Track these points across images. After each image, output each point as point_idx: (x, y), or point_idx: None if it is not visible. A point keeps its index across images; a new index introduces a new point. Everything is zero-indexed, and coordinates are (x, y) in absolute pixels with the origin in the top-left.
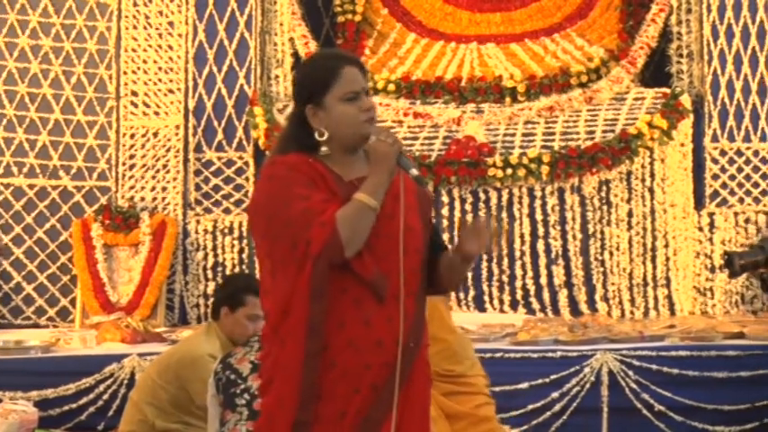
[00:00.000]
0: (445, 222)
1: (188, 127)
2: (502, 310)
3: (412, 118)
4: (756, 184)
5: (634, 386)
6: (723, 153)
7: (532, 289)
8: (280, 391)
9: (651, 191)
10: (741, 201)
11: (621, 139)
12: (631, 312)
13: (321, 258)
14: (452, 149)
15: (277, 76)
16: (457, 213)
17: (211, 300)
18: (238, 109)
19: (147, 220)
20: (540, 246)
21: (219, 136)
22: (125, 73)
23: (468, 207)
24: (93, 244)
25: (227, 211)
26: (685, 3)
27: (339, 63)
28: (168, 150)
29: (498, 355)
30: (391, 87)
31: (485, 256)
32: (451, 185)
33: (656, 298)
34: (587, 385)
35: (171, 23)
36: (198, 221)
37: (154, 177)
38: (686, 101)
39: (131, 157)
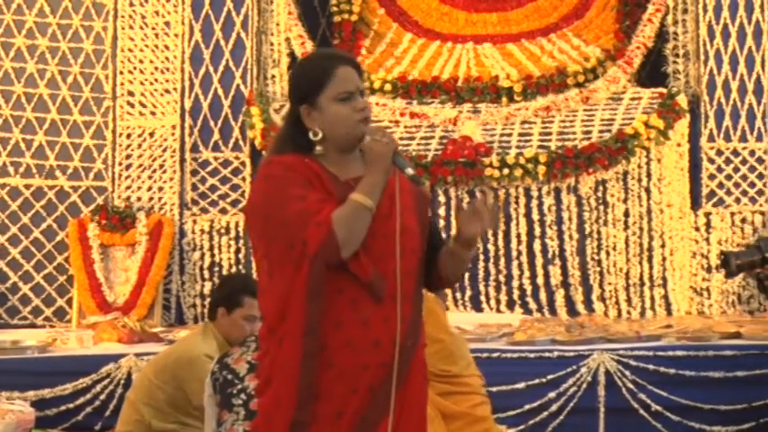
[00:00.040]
0: (442, 222)
1: (184, 127)
2: (499, 310)
3: (408, 118)
4: (753, 184)
5: (631, 386)
6: (719, 153)
7: (529, 289)
8: (277, 392)
9: (648, 191)
10: (737, 201)
11: (618, 139)
12: (628, 312)
13: (318, 259)
14: (449, 149)
15: (273, 76)
16: (454, 213)
17: (208, 300)
18: (235, 109)
19: (144, 220)
20: (537, 246)
21: (216, 136)
22: (121, 73)
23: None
24: (89, 244)
25: (223, 211)
26: (681, 3)
27: (333, 63)
28: (165, 150)
29: (495, 355)
30: (388, 87)
31: (482, 256)
32: (448, 185)
33: (652, 298)
34: (584, 385)
35: (167, 23)
36: (194, 221)
37: (150, 177)
38: (682, 101)
39: (128, 157)
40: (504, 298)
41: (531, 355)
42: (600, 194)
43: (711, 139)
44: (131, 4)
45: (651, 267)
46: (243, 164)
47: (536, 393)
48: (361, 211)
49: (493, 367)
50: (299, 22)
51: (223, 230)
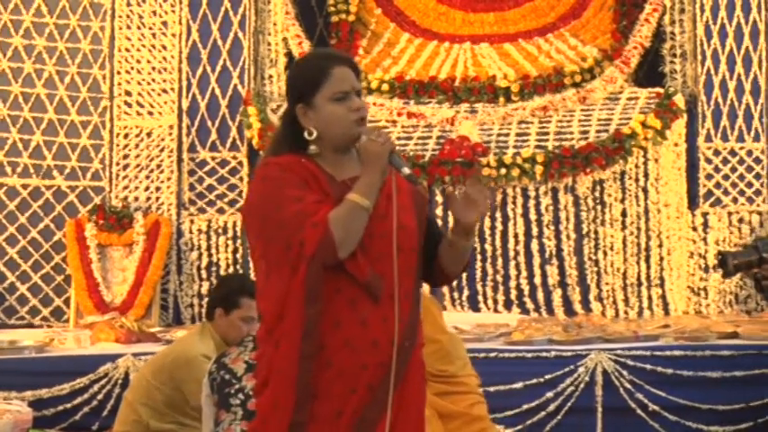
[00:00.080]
0: (439, 222)
1: (182, 127)
2: (496, 310)
3: (406, 118)
4: (750, 184)
5: (628, 386)
6: (717, 153)
7: (526, 289)
8: (275, 393)
9: (645, 191)
10: (735, 200)
11: (615, 139)
12: (625, 312)
13: (315, 259)
14: (446, 149)
15: (271, 76)
16: (452, 213)
17: (206, 300)
18: (232, 109)
19: (141, 220)
20: (534, 246)
21: (213, 136)
22: (119, 73)
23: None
24: (86, 244)
25: (221, 210)
26: (678, 3)
27: (330, 63)
28: (162, 150)
29: (493, 354)
30: (385, 87)
31: (479, 256)
32: (445, 185)
33: (650, 298)
34: (582, 385)
35: (164, 23)
36: (192, 221)
37: (148, 177)
38: (680, 101)
39: (125, 156)
40: (501, 298)
41: (529, 355)
42: (597, 194)
43: (709, 138)
44: (129, 4)
45: (648, 267)
46: (240, 164)
47: (534, 393)
48: (357, 211)
49: (490, 367)
50: (297, 21)
51: (220, 230)
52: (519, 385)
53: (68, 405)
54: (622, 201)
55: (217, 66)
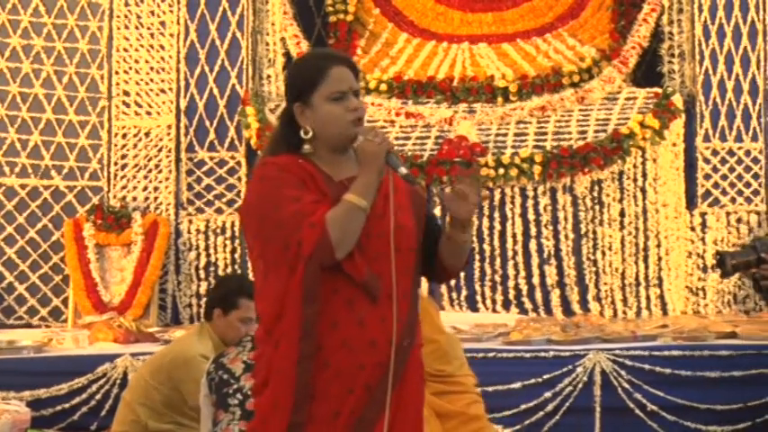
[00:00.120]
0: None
1: (180, 127)
2: (494, 310)
3: (404, 118)
4: (748, 184)
5: (626, 386)
6: (715, 153)
7: (525, 289)
8: (274, 393)
9: (643, 191)
10: (733, 200)
11: (613, 139)
12: (624, 312)
13: (312, 260)
14: (444, 149)
15: (269, 76)
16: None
17: (204, 300)
18: (230, 109)
19: (140, 220)
20: (533, 245)
21: (211, 136)
22: (117, 73)
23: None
24: (85, 244)
25: (219, 210)
26: (677, 3)
27: (328, 63)
28: (160, 150)
29: (491, 354)
30: (383, 87)
31: (478, 256)
32: (444, 185)
33: (648, 298)
34: (580, 385)
35: (162, 23)
36: (190, 221)
37: (146, 177)
38: (678, 101)
39: (123, 156)
40: (499, 298)
41: (527, 355)
42: (595, 194)
43: (707, 138)
44: (127, 4)
45: (647, 267)
46: (238, 164)
47: (532, 393)
48: (354, 211)
49: (489, 367)
50: (295, 21)
51: (219, 230)
52: (517, 385)
53: (67, 405)
54: (620, 201)
55: (215, 66)
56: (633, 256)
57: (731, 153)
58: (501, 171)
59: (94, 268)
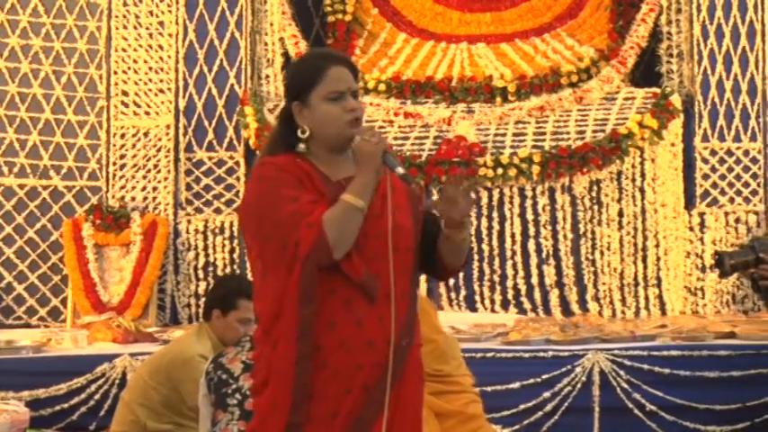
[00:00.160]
0: None
1: (178, 127)
2: (493, 310)
3: (402, 118)
4: (747, 184)
5: (625, 386)
6: (713, 153)
7: (524, 289)
8: (273, 393)
9: (642, 191)
10: (731, 200)
11: (612, 139)
12: (622, 312)
13: (309, 260)
14: (443, 149)
15: (267, 76)
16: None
17: (203, 300)
18: (229, 109)
19: (138, 220)
20: (531, 245)
21: (210, 136)
22: (115, 73)
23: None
24: (83, 244)
25: (217, 210)
26: (675, 2)
27: (326, 62)
28: (159, 150)
29: (490, 354)
30: (382, 87)
31: (476, 256)
32: (442, 185)
33: (647, 298)
34: (579, 385)
35: (161, 23)
36: (189, 221)
37: (144, 177)
38: (676, 101)
39: (122, 156)
40: (498, 298)
41: (526, 355)
42: (594, 194)
43: (705, 138)
44: (125, 4)
45: (645, 267)
46: (237, 163)
47: (531, 393)
48: (352, 211)
49: (488, 367)
50: (293, 21)
51: (217, 230)
52: (516, 385)
53: (65, 405)
54: (619, 201)
55: (213, 66)
56: (632, 255)
57: (730, 153)
58: (499, 171)
59: (93, 268)
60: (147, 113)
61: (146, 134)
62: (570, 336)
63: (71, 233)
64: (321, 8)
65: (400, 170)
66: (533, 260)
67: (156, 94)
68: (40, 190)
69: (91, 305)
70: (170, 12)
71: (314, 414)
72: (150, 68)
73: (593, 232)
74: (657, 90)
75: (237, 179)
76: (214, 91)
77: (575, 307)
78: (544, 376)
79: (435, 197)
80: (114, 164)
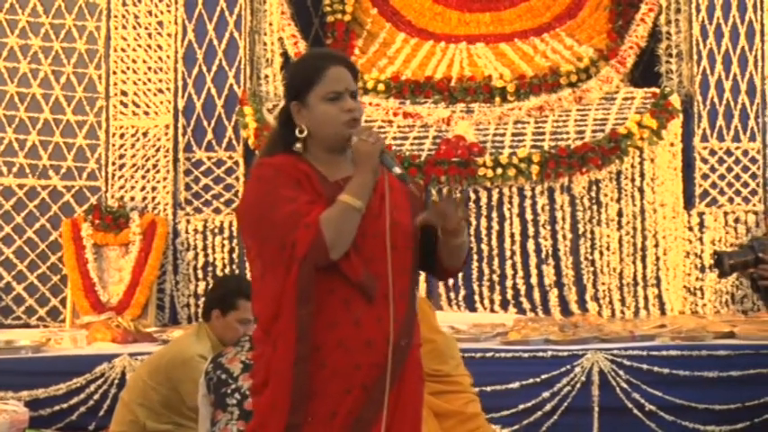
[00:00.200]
0: None
1: (178, 127)
2: (492, 310)
3: (402, 118)
4: (746, 184)
5: (625, 386)
6: (713, 153)
7: (523, 289)
8: (273, 394)
9: (641, 190)
10: (731, 200)
11: (611, 139)
12: (622, 312)
13: (307, 261)
14: (442, 149)
15: (266, 76)
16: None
17: (202, 300)
18: (228, 109)
19: (137, 220)
20: (531, 245)
21: (209, 136)
22: (114, 73)
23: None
24: (83, 244)
25: (217, 210)
26: (674, 2)
27: (325, 63)
28: (158, 150)
29: (489, 354)
30: (381, 87)
31: (475, 256)
32: (441, 185)
33: (646, 298)
34: (578, 385)
35: (160, 23)
36: (188, 221)
37: (144, 177)
38: (676, 101)
39: (121, 156)
40: (497, 298)
41: (525, 355)
42: (593, 194)
43: (704, 138)
44: (124, 4)
45: (645, 267)
46: (236, 163)
47: (530, 393)
48: (349, 211)
49: (487, 367)
50: (292, 21)
51: (217, 230)
52: (515, 385)
53: (65, 405)
54: (618, 201)
55: (213, 66)
56: (631, 255)
57: (729, 153)
58: (499, 171)
59: (92, 268)
60: (147, 113)
61: (145, 134)
62: (569, 336)
63: (70, 233)
64: (320, 8)
65: (397, 170)
66: (532, 260)
67: (155, 94)
68: (39, 190)
69: (90, 305)
70: (169, 12)
71: (313, 413)
72: (149, 68)
73: (592, 232)
74: (657, 90)
75: (237, 179)
76: (213, 91)
77: (574, 307)
78: (543, 376)
79: (425, 214)
80: (113, 164)
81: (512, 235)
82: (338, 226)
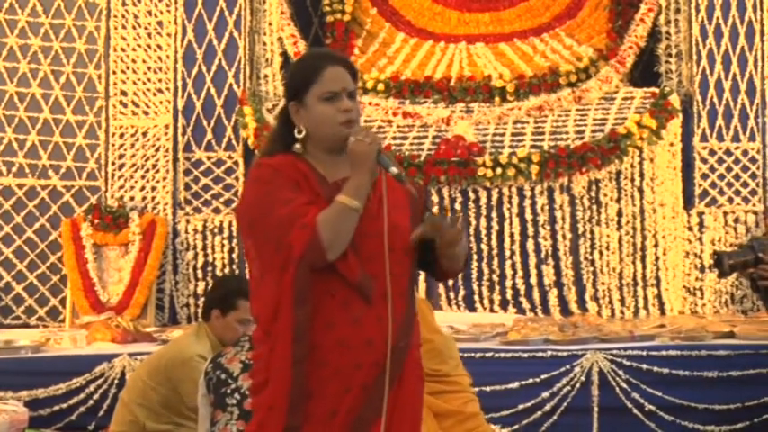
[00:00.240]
0: None
1: (177, 126)
2: (492, 310)
3: (401, 118)
4: (745, 184)
5: (624, 386)
6: (712, 153)
7: (522, 288)
8: (272, 395)
9: (640, 190)
10: (730, 200)
11: (611, 139)
12: (621, 312)
13: (303, 262)
14: (442, 149)
15: (266, 76)
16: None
17: (201, 300)
18: (227, 108)
19: (137, 220)
20: (530, 245)
21: (209, 135)
22: (114, 72)
23: (457, 207)
24: (82, 244)
25: (216, 210)
26: (674, 2)
27: (323, 62)
28: (158, 150)
29: (489, 354)
30: (380, 87)
31: (475, 256)
32: (441, 185)
33: (645, 297)
34: (578, 385)
35: (160, 23)
36: (188, 221)
37: (143, 177)
38: (675, 100)
39: (121, 156)
40: (497, 297)
41: (525, 355)
42: (593, 194)
43: (704, 138)
44: (124, 4)
45: (644, 267)
46: (236, 163)
47: (529, 393)
48: (346, 212)
49: (486, 367)
50: (292, 21)
51: (216, 230)
52: (515, 385)
53: (64, 405)
54: (618, 200)
55: (212, 65)
56: (631, 255)
57: (728, 153)
58: (498, 171)
59: (92, 268)
60: (146, 113)
61: (144, 134)
62: (569, 336)
63: (70, 233)
64: (320, 8)
65: (394, 170)
66: (532, 260)
67: (154, 94)
68: (38, 190)
69: (90, 305)
70: (169, 12)
71: (312, 412)
72: (149, 68)
73: (591, 232)
74: (656, 90)
75: (236, 179)
76: (213, 91)
77: (573, 307)
78: (543, 376)
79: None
80: (113, 164)
81: (511, 235)
82: (335, 226)
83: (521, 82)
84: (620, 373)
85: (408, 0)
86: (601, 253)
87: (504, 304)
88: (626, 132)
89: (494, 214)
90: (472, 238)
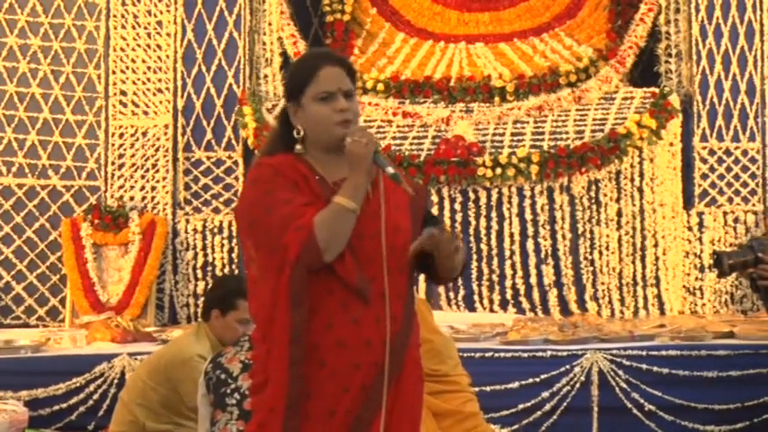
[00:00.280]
0: None
1: (177, 126)
2: (492, 310)
3: (401, 118)
4: (745, 184)
5: (624, 386)
6: (712, 153)
7: (522, 288)
8: (271, 396)
9: (640, 190)
10: (730, 200)
11: (610, 139)
12: (621, 312)
13: (299, 263)
14: (441, 149)
15: (266, 76)
16: (446, 213)
17: (201, 299)
18: (227, 108)
19: (137, 220)
20: (530, 245)
21: (209, 135)
22: (114, 72)
23: (457, 207)
24: (82, 243)
25: (216, 210)
26: (674, 2)
27: (319, 63)
28: (157, 150)
29: (488, 354)
30: (380, 87)
31: (475, 256)
32: (441, 185)
33: (645, 297)
34: (577, 385)
35: (159, 23)
36: (187, 221)
37: (143, 177)
38: (675, 100)
39: (120, 156)
40: (497, 297)
41: (525, 355)
42: (593, 194)
43: (704, 138)
44: (124, 4)
45: (644, 267)
46: (236, 163)
47: (529, 393)
48: (343, 213)
49: (486, 367)
50: (292, 21)
51: (216, 230)
52: (515, 385)
53: (64, 405)
54: (618, 200)
55: (212, 65)
56: (630, 255)
57: (728, 153)
58: (498, 171)
59: (92, 268)
60: (146, 113)
61: (144, 134)
62: (569, 335)
63: (69, 233)
64: (319, 8)
65: (390, 170)
66: (532, 260)
67: (154, 94)
68: (38, 189)
69: (89, 305)
70: (168, 11)
71: (311, 412)
72: (149, 68)
73: (591, 232)
74: (656, 90)
75: (236, 179)
76: (212, 91)
77: (573, 307)
78: (543, 376)
79: (421, 238)
80: (113, 163)
81: (511, 235)
82: (332, 228)
83: (520, 82)
84: (620, 373)
85: (408, 0)
86: (600, 253)
87: (503, 304)
88: (626, 132)
89: (493, 214)
90: (472, 238)
